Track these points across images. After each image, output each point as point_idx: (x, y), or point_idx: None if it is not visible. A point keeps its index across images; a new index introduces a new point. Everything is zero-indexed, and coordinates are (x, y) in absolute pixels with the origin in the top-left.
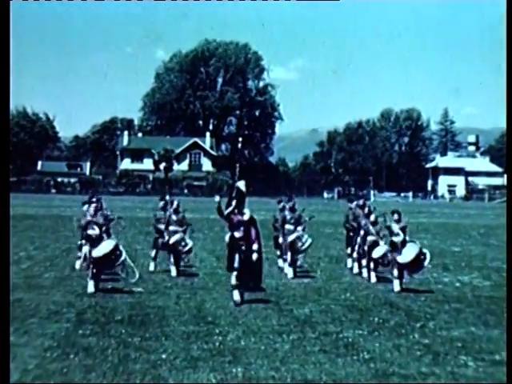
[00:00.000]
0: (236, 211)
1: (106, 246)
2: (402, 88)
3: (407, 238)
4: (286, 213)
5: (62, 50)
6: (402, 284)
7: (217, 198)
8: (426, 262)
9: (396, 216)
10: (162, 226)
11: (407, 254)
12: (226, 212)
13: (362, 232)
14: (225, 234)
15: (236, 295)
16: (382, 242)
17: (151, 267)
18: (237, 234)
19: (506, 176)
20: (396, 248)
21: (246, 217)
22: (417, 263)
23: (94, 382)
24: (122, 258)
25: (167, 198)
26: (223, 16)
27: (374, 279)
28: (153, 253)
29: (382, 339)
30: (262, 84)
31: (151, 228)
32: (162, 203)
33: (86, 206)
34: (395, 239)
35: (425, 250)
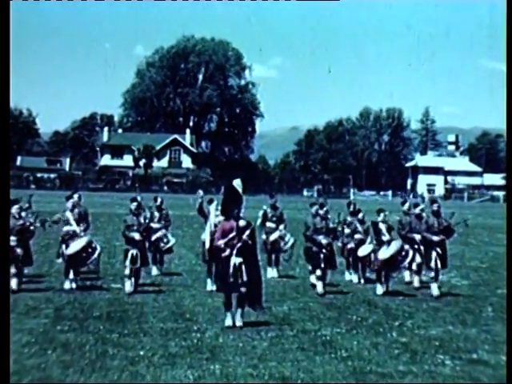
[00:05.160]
0: (230, 216)
1: (77, 244)
2: (383, 86)
3: (394, 238)
4: (268, 210)
5: (41, 46)
6: (388, 287)
7: (200, 193)
8: (407, 261)
9: (382, 215)
10: (136, 235)
11: (387, 251)
12: (217, 219)
13: (347, 230)
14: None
15: (228, 319)
16: (368, 240)
17: (127, 287)
18: (225, 243)
19: (505, 175)
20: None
21: (241, 223)
22: (394, 260)
23: (71, 378)
24: (95, 255)
25: (139, 198)
26: (202, 13)
27: (362, 281)
28: (127, 270)
29: (360, 337)
30: (242, 82)
31: None
32: (133, 205)
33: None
34: (383, 238)
35: (407, 248)
